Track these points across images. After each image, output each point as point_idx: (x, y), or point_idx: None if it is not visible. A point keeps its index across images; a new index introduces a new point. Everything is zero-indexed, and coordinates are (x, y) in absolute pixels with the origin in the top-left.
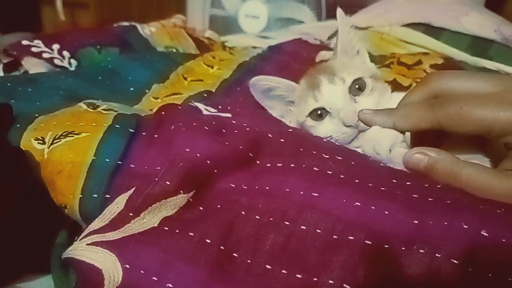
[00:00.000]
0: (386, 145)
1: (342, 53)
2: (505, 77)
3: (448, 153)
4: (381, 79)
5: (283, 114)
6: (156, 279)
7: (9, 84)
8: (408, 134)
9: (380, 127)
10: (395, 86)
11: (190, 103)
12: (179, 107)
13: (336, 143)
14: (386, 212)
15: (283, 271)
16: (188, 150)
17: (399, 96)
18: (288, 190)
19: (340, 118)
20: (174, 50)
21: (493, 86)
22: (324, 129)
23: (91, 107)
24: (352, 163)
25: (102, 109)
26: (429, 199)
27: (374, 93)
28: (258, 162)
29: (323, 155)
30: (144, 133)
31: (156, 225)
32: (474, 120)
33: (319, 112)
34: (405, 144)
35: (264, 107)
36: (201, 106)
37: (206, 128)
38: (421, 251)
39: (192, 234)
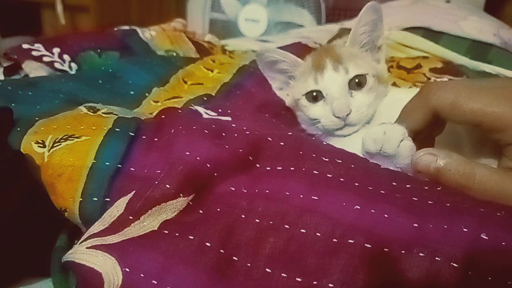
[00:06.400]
0: (396, 142)
1: (351, 43)
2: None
3: (458, 154)
4: (386, 82)
5: (282, 86)
6: (156, 282)
7: (9, 88)
8: None
9: (386, 122)
10: None
11: (190, 107)
12: (179, 111)
13: (321, 130)
14: (386, 216)
15: (283, 274)
16: (188, 153)
17: (395, 92)
18: (288, 193)
19: (332, 107)
20: (174, 54)
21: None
22: (315, 111)
23: (91, 110)
24: (352, 166)
25: (102, 113)
26: (429, 202)
27: (371, 93)
28: (258, 165)
29: (323, 158)
30: (144, 137)
31: (156, 228)
32: (465, 112)
33: (314, 94)
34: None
35: (267, 79)
36: (201, 109)
37: (206, 131)
38: (421, 254)
39: (192, 237)
